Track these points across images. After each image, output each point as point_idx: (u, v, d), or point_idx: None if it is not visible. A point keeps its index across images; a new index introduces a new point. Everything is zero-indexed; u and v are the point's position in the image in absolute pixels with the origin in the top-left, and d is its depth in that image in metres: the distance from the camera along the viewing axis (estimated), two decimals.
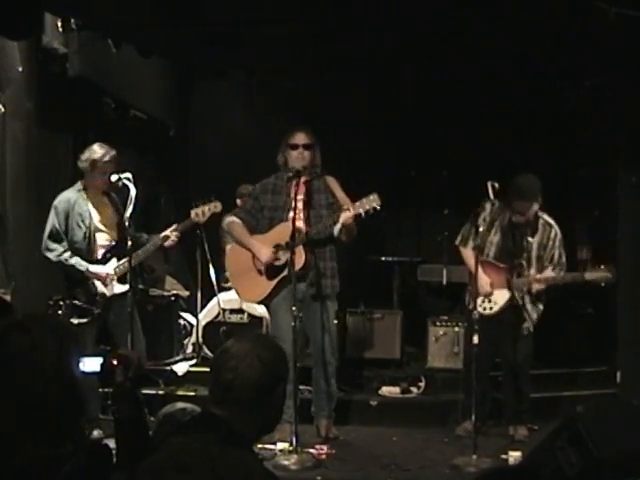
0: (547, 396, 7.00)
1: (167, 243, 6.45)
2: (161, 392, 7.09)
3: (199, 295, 7.82)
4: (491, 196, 6.17)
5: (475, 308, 6.07)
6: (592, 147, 8.10)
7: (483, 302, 6.31)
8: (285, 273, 6.17)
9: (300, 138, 6.26)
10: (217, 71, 8.24)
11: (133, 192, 6.11)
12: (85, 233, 6.28)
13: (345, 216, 5.96)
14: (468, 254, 6.39)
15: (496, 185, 6.15)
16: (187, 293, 8.42)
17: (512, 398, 6.50)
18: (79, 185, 6.35)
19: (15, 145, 6.72)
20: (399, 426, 6.84)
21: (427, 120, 8.99)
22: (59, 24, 6.69)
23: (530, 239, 6.29)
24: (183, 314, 8.19)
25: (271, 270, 6.23)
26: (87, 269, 6.23)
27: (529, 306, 6.34)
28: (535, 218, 6.29)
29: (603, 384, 7.23)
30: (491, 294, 6.31)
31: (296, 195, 6.10)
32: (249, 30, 6.62)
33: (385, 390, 7.35)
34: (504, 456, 5.82)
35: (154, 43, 7.24)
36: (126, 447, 2.75)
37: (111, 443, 2.75)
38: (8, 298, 5.94)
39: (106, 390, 5.51)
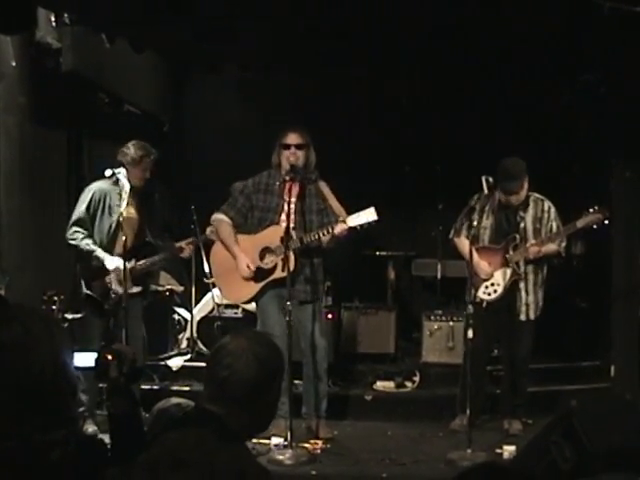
0: (541, 390, 7.02)
1: (182, 254, 6.66)
2: (155, 387, 7.09)
3: (193, 290, 7.82)
4: (485, 191, 6.18)
5: (474, 299, 6.09)
6: (587, 142, 8.10)
7: (486, 288, 6.32)
8: (273, 276, 6.16)
9: (292, 138, 6.23)
10: (212, 66, 8.22)
11: (127, 187, 6.12)
12: (111, 225, 6.29)
13: (340, 228, 5.95)
14: (463, 243, 6.42)
15: (490, 179, 6.15)
16: (181, 288, 8.42)
17: (510, 392, 6.51)
18: (115, 177, 6.33)
19: (8, 140, 6.71)
20: (394, 421, 6.86)
21: (422, 115, 8.99)
22: (52, 19, 6.67)
23: (522, 214, 6.32)
24: (177, 309, 8.19)
25: (258, 272, 6.21)
26: (104, 260, 6.25)
27: (523, 292, 6.34)
28: (525, 197, 6.34)
29: (597, 379, 7.25)
30: (492, 276, 6.32)
31: (289, 198, 6.08)
32: (244, 25, 6.60)
33: (380, 385, 7.37)
34: (499, 450, 5.84)
35: (148, 38, 7.22)
36: (121, 442, 2.75)
37: (106, 438, 2.75)
38: (2, 293, 5.94)
39: (101, 385, 5.56)
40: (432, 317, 7.78)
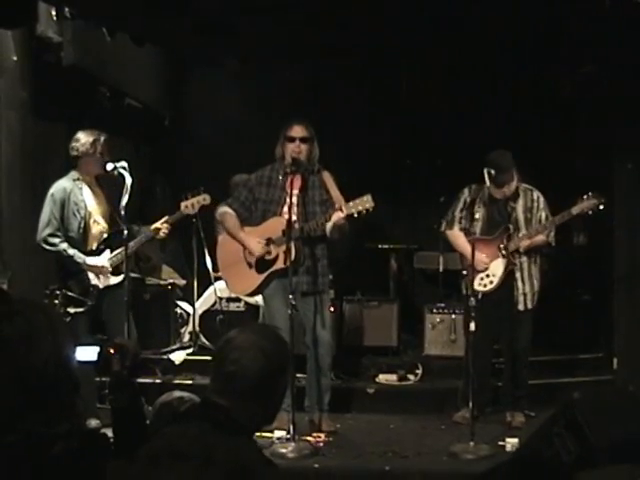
0: (544, 383, 7.02)
1: (158, 235, 6.47)
2: (158, 381, 7.10)
3: (196, 284, 7.82)
4: (488, 183, 6.19)
5: (473, 291, 6.09)
6: (588, 134, 8.09)
7: (482, 280, 6.32)
8: (275, 267, 6.17)
9: (297, 131, 6.22)
10: (212, 60, 8.21)
11: (129, 181, 6.11)
12: (80, 223, 6.27)
13: (337, 216, 5.94)
14: (456, 234, 6.49)
15: (492, 172, 6.17)
16: (184, 282, 8.42)
17: (511, 385, 6.51)
18: (74, 174, 6.32)
19: (10, 134, 6.71)
20: (396, 413, 6.85)
21: (423, 108, 8.98)
22: (53, 13, 6.66)
23: (513, 204, 6.36)
24: (180, 303, 8.19)
25: (261, 264, 6.22)
26: (84, 261, 6.23)
27: (519, 282, 6.35)
28: (515, 188, 6.38)
29: (600, 370, 7.25)
30: (487, 268, 6.33)
31: (291, 190, 6.06)
32: (245, 19, 6.59)
33: (382, 378, 7.36)
34: (501, 443, 5.84)
35: (148, 31, 7.21)
36: (124, 436, 2.75)
37: (109, 432, 2.75)
38: (4, 287, 5.94)
39: (103, 379, 5.56)
40: (434, 310, 7.78)
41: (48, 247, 6.19)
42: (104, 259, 6.29)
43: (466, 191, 6.48)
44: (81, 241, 6.28)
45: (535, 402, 6.54)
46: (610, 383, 6.91)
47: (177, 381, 7.08)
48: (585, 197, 6.23)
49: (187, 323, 8.02)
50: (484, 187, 6.36)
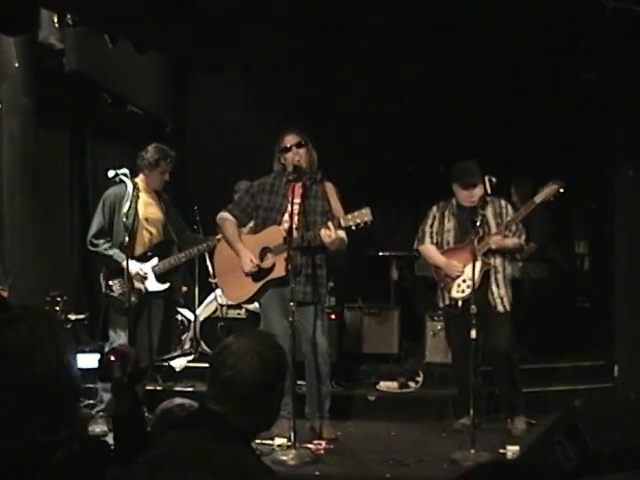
0: (545, 390, 7.01)
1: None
2: (159, 388, 7.09)
3: (197, 290, 7.82)
4: (489, 190, 6.19)
5: (455, 302, 6.17)
6: (590, 141, 8.09)
7: (459, 287, 6.34)
8: (271, 276, 6.16)
9: (290, 139, 6.23)
10: (214, 66, 8.22)
11: (130, 188, 6.13)
12: (129, 228, 6.30)
13: (326, 236, 5.93)
14: (428, 248, 6.56)
15: (493, 179, 6.19)
16: (185, 288, 8.42)
17: (506, 390, 6.48)
18: (134, 181, 6.38)
19: (12, 141, 6.72)
20: (397, 421, 6.84)
21: (425, 115, 8.99)
22: (55, 19, 6.67)
23: (482, 211, 6.36)
24: (181, 310, 8.19)
25: (257, 272, 6.21)
26: (123, 260, 6.26)
27: (494, 287, 6.35)
28: (482, 198, 6.37)
29: (601, 378, 7.23)
30: (463, 273, 6.33)
31: (293, 199, 6.07)
32: (246, 25, 6.60)
33: (383, 385, 7.36)
34: (502, 450, 5.82)
35: (150, 38, 7.22)
36: (124, 442, 2.75)
37: (109, 439, 2.75)
38: (5, 294, 5.94)
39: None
40: (435, 317, 7.75)
41: (92, 248, 6.38)
42: (148, 266, 6.37)
43: (434, 208, 6.58)
44: (129, 246, 6.31)
45: (536, 409, 6.53)
46: (611, 390, 6.90)
47: (178, 388, 7.08)
48: (546, 185, 6.27)
49: (188, 330, 8.01)
50: (451, 201, 6.47)
